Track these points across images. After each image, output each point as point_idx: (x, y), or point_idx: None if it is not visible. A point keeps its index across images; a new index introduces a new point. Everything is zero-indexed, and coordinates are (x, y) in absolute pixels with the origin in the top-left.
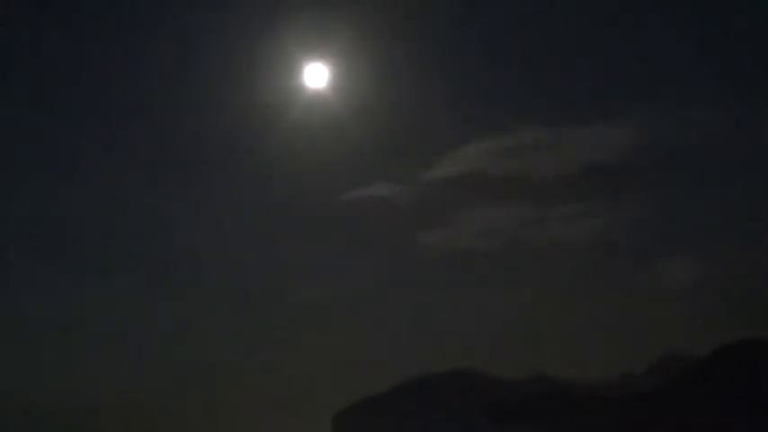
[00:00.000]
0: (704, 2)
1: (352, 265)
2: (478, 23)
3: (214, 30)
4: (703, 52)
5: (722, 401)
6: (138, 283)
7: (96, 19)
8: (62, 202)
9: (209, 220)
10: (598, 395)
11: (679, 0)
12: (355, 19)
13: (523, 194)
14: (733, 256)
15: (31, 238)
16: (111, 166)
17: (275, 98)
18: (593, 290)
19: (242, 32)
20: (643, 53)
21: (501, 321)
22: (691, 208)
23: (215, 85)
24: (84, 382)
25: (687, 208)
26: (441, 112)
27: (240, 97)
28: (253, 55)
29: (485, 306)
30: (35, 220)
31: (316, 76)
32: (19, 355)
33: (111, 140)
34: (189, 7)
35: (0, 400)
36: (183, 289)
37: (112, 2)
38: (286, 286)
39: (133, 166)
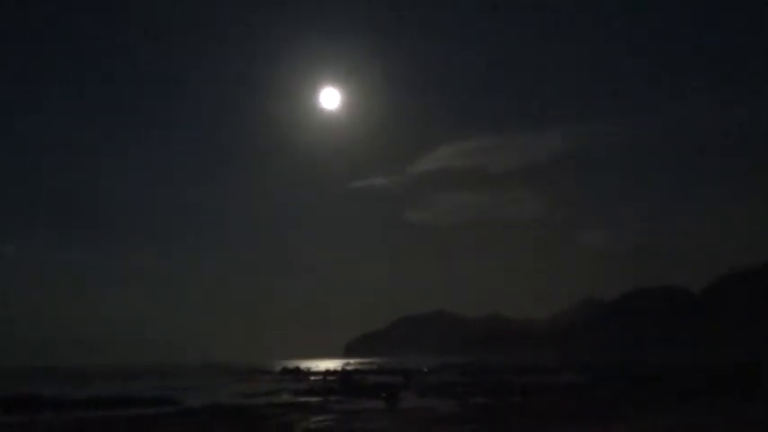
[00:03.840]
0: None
1: (355, 236)
2: (451, 57)
3: (246, 59)
4: (615, 75)
5: (625, 335)
6: (198, 248)
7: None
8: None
9: (245, 204)
10: (535, 329)
11: (596, 32)
12: (361, 53)
13: (482, 184)
14: (633, 229)
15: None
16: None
17: (297, 116)
18: (530, 252)
19: (267, 63)
20: (569, 77)
21: (466, 276)
22: (602, 193)
23: (248, 107)
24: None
25: (599, 193)
26: (421, 123)
27: (269, 115)
28: (278, 82)
29: (454, 265)
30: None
31: (329, 98)
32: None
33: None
34: (221, 41)
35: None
36: (235, 252)
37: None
38: (307, 252)
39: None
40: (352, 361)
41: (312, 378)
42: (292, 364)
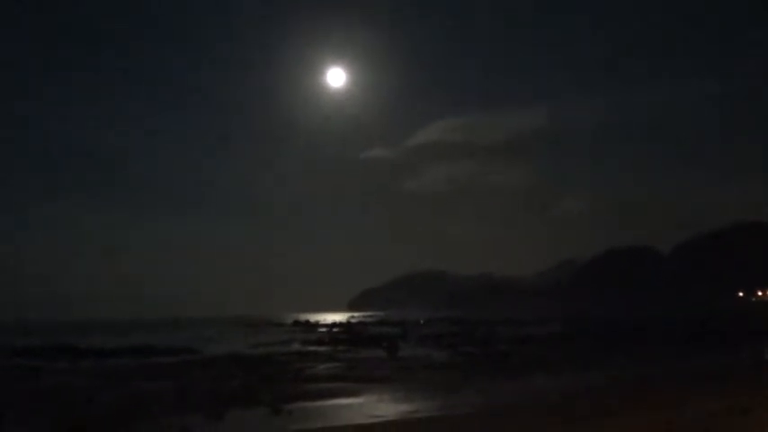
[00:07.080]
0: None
1: (361, 200)
2: (445, 41)
3: (258, 44)
4: (598, 55)
5: (601, 291)
6: (229, 211)
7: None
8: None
9: (268, 171)
10: (521, 286)
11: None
12: (367, 36)
13: (470, 155)
14: (603, 196)
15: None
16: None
17: (306, 93)
18: (516, 217)
19: (282, 48)
20: (544, 62)
21: (457, 237)
22: (575, 164)
23: (263, 87)
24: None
25: (573, 164)
26: (418, 102)
27: (282, 93)
28: (290, 64)
29: (448, 228)
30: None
31: (336, 78)
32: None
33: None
34: (239, 31)
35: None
36: (265, 215)
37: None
38: (314, 217)
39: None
40: (356, 314)
41: (320, 330)
42: (302, 316)
